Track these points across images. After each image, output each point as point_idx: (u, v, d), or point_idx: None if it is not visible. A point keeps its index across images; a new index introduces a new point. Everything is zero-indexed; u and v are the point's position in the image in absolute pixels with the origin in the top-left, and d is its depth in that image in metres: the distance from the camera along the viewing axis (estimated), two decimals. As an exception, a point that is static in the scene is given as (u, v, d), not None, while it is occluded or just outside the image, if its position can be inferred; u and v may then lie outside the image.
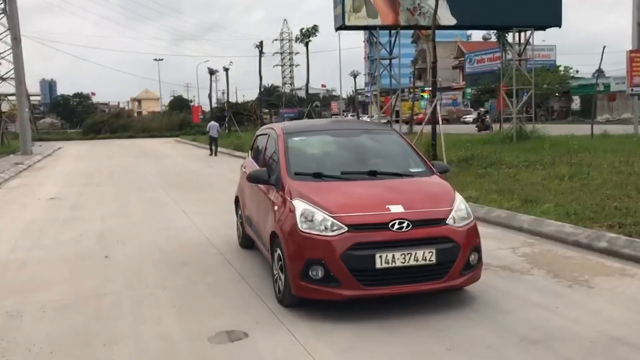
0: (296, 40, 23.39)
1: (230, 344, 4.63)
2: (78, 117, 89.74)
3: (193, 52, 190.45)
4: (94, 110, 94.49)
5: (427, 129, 16.24)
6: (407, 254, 4.98)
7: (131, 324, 5.11)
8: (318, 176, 5.78)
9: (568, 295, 5.64)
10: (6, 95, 62.37)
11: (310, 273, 5.02)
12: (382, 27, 20.78)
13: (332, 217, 5.08)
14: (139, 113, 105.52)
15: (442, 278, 5.14)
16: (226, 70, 42.09)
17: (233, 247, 7.91)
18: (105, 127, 61.43)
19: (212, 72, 44.99)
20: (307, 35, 23.54)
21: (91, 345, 4.67)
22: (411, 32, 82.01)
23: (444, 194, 5.63)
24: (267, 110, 64.38)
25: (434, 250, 5.05)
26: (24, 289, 6.26)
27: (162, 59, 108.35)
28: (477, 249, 5.42)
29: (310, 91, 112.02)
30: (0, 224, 10.30)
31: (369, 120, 22.57)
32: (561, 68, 56.70)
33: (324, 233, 5.03)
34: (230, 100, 35.41)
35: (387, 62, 21.74)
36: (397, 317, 5.09)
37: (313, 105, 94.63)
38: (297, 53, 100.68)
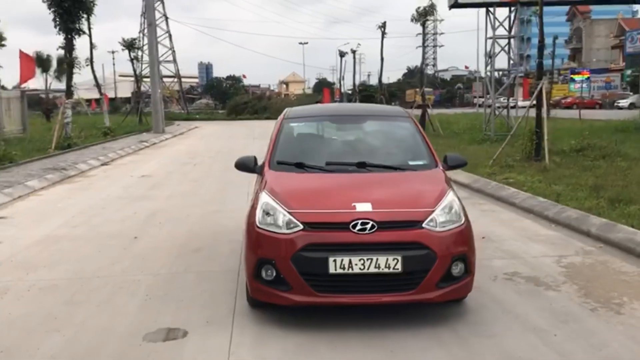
0: (412, 20, 22.51)
1: (158, 344, 4.34)
2: (229, 99, 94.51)
3: (346, 35, 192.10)
4: (245, 92, 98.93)
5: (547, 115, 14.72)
6: (367, 259, 4.34)
7: (88, 313, 4.99)
8: (300, 166, 5.28)
9: (582, 320, 4.65)
10: (162, 77, 67.41)
11: (262, 274, 4.57)
12: (500, 4, 19.21)
13: (289, 213, 4.57)
14: (286, 95, 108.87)
15: (411, 290, 4.43)
16: (353, 52, 42.08)
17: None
18: (247, 108, 64.00)
19: (342, 54, 45.18)
20: (423, 14, 22.45)
21: (33, 332, 4.61)
22: (565, 9, 76.29)
23: (432, 191, 4.85)
24: (411, 91, 62.91)
25: (399, 258, 4.35)
26: (33, 265, 6.44)
27: (307, 43, 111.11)
28: (463, 258, 4.60)
29: (455, 72, 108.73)
30: (75, 199, 10.89)
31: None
32: None
33: (278, 230, 4.54)
34: (373, 82, 35.10)
35: (506, 41, 20.10)
36: (354, 330, 4.48)
37: (455, 87, 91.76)
38: (441, 34, 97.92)
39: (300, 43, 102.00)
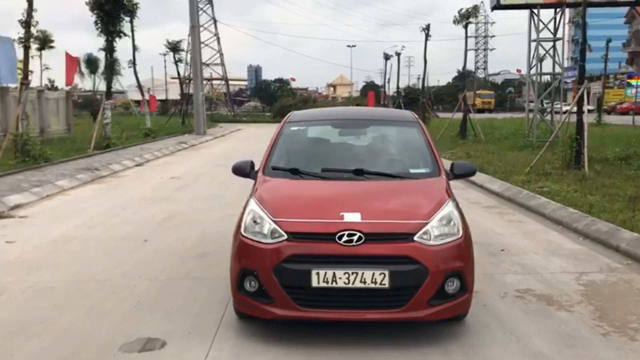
0: (454, 22, 21.86)
1: (133, 355, 4.18)
2: (277, 101, 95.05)
3: (396, 37, 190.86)
4: (292, 94, 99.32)
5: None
6: (352, 273, 4.08)
7: (74, 319, 4.88)
8: (295, 172, 5.05)
9: (591, 346, 4.26)
10: (209, 79, 68.36)
11: (245, 285, 4.36)
12: (544, 5, 18.53)
13: (275, 221, 4.34)
14: (333, 98, 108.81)
15: (399, 307, 4.14)
16: (398, 55, 41.68)
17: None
18: (292, 111, 64.17)
19: (387, 57, 44.75)
20: (466, 16, 21.83)
21: (14, 336, 4.52)
22: (625, 10, 73.50)
23: (429, 202, 4.53)
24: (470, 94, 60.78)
25: (386, 272, 4.07)
26: (37, 266, 6.42)
27: (354, 45, 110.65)
28: (459, 275, 4.27)
29: (507, 76, 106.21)
30: (100, 199, 10.95)
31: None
32: None
33: (262, 240, 4.32)
34: (423, 85, 34.38)
35: (551, 44, 19.37)
36: (336, 347, 4.22)
37: (507, 91, 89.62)
38: (492, 36, 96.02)
39: (349, 46, 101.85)
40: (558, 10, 18.84)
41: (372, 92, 51.41)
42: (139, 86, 27.90)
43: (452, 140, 22.49)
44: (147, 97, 34.00)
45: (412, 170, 5.12)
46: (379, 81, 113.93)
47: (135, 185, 12.89)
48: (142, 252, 6.98)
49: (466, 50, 23.09)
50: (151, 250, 7.10)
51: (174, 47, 33.47)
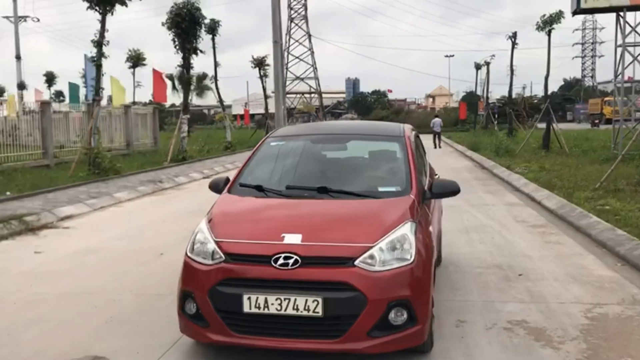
0: (537, 29, 20.56)
1: (69, 373, 4.15)
2: (372, 113, 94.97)
3: (501, 46, 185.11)
4: (389, 106, 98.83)
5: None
6: (285, 299, 3.83)
7: (40, 332, 4.93)
8: (260, 189, 4.86)
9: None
10: (302, 93, 69.55)
11: (185, 307, 4.23)
12: (631, 8, 17.15)
13: (216, 242, 4.19)
14: (432, 109, 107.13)
15: (336, 337, 3.82)
16: (487, 64, 40.28)
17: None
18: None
19: (478, 66, 43.34)
20: (549, 22, 20.57)
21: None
22: None
23: (382, 223, 4.18)
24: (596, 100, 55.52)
25: (319, 299, 3.78)
26: (45, 277, 6.61)
27: (452, 55, 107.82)
28: (405, 304, 3.89)
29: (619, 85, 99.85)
30: (149, 211, 11.28)
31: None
32: None
33: (203, 261, 4.17)
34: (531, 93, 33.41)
35: (640, 49, 17.88)
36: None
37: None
38: (601, 42, 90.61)
39: (446, 56, 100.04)
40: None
41: (463, 103, 49.99)
42: (220, 101, 28.76)
43: (534, 152, 21.32)
44: (241, 111, 34.93)
45: (380, 189, 4.76)
46: (480, 91, 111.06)
47: (188, 198, 13.18)
48: (150, 266, 7.04)
49: (549, 58, 21.78)
50: (161, 264, 7.14)
51: (260, 62, 34.30)
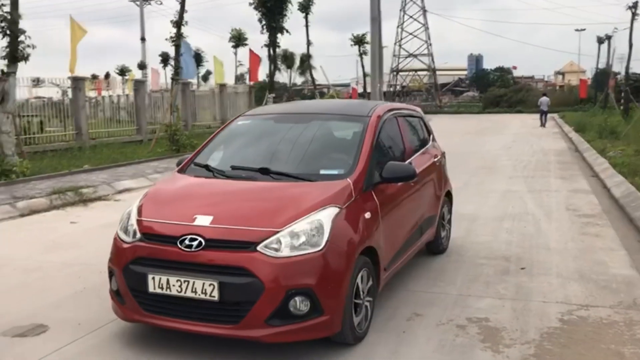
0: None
1: (5, 339, 4.34)
2: (487, 91, 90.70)
3: None
4: (513, 84, 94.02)
5: None
6: (185, 281, 3.76)
7: (12, 298, 5.22)
8: (208, 169, 4.80)
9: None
10: (415, 70, 67.94)
11: (111, 284, 4.29)
12: None
13: (137, 220, 4.20)
14: (561, 87, 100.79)
15: (233, 323, 3.70)
16: (608, 38, 36.84)
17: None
18: (503, 101, 60.69)
19: (600, 40, 39.78)
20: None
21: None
22: None
23: (299, 207, 3.95)
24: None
25: (215, 283, 3.67)
26: (60, 246, 6.97)
27: (584, 29, 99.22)
28: (308, 293, 3.67)
29: None
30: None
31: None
32: None
33: (125, 239, 4.20)
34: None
35: None
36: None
37: None
38: None
39: (577, 30, 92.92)
40: None
41: (584, 80, 46.41)
42: (313, 81, 28.86)
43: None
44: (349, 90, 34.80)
45: (322, 172, 4.50)
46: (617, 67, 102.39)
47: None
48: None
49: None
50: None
51: (360, 40, 33.87)
